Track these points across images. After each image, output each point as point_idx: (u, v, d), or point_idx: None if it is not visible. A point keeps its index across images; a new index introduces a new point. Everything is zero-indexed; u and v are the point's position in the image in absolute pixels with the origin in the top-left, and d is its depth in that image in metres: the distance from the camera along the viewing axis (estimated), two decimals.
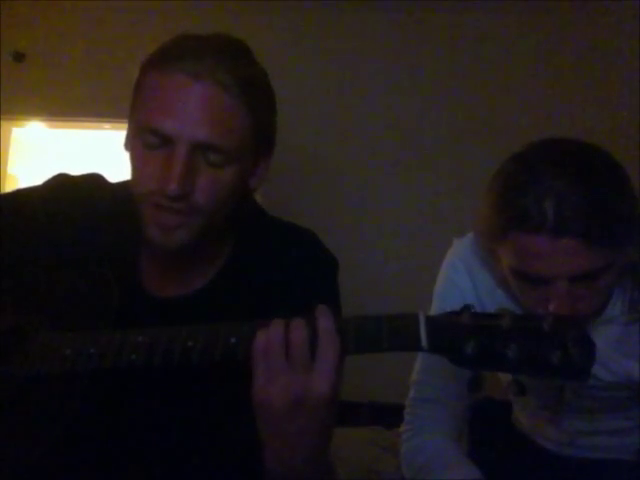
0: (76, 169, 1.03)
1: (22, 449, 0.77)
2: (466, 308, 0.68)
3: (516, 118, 2.84)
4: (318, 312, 0.70)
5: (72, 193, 0.97)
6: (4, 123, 3.14)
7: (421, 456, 1.11)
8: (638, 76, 2.73)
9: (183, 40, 0.84)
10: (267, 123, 0.88)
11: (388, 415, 1.36)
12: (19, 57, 3.02)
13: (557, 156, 0.93)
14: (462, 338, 0.65)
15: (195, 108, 0.78)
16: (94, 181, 1.00)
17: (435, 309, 1.14)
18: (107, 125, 3.16)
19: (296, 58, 2.92)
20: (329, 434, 0.74)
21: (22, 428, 0.79)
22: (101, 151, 3.61)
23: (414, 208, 2.96)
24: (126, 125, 0.90)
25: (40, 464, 0.77)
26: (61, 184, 0.99)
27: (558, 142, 0.98)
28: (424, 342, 0.66)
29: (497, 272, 1.04)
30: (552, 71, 2.95)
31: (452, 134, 2.96)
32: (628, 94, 2.78)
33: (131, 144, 0.85)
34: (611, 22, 2.89)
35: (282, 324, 0.69)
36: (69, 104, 3.04)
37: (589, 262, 0.89)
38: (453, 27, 3.01)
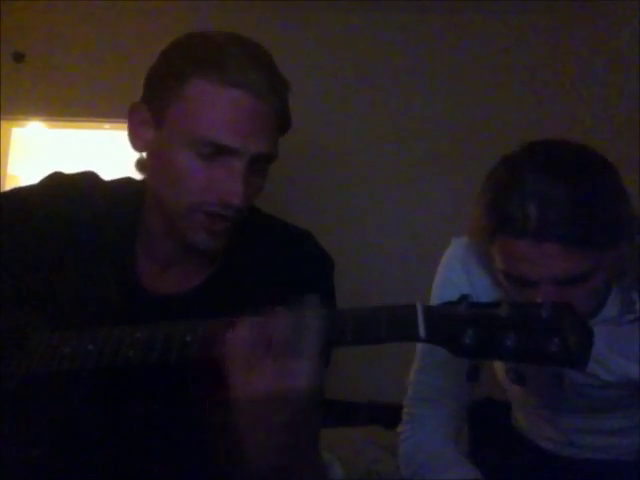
0: (76, 169, 1.03)
1: (22, 448, 0.77)
2: (463, 298, 0.67)
3: (517, 118, 2.84)
4: (304, 306, 0.69)
5: (68, 191, 0.97)
6: (4, 123, 3.14)
7: (419, 456, 1.12)
8: (638, 76, 2.73)
9: (224, 48, 0.85)
10: (288, 128, 0.92)
11: (388, 415, 1.36)
12: (19, 57, 3.02)
13: (544, 159, 0.93)
14: (460, 327, 0.65)
15: (255, 122, 0.83)
16: (89, 179, 1.00)
17: None
18: (107, 125, 3.16)
19: (297, 58, 2.91)
20: (315, 431, 0.74)
21: (22, 427, 0.79)
22: (101, 151, 3.61)
23: (414, 207, 2.96)
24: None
25: (40, 463, 0.77)
26: (57, 183, 0.99)
27: (546, 144, 0.97)
28: (422, 332, 0.66)
29: (493, 271, 1.04)
30: (552, 71, 2.95)
31: (453, 134, 2.96)
32: (628, 94, 2.78)
33: (177, 154, 0.84)
34: (611, 22, 2.89)
35: (249, 322, 0.69)
36: (69, 104, 3.04)
37: (574, 266, 0.89)
38: (453, 27, 3.01)
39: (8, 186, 3.36)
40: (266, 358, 0.67)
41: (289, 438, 0.71)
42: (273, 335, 0.67)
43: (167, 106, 0.84)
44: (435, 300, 1.16)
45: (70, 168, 1.05)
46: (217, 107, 0.82)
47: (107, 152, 3.44)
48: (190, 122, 0.82)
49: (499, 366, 1.20)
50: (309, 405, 0.69)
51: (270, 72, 0.86)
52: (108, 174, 1.03)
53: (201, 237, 0.85)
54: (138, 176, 0.96)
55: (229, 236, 0.87)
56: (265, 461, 0.72)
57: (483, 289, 1.10)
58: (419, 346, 1.16)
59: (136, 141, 0.89)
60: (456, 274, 1.14)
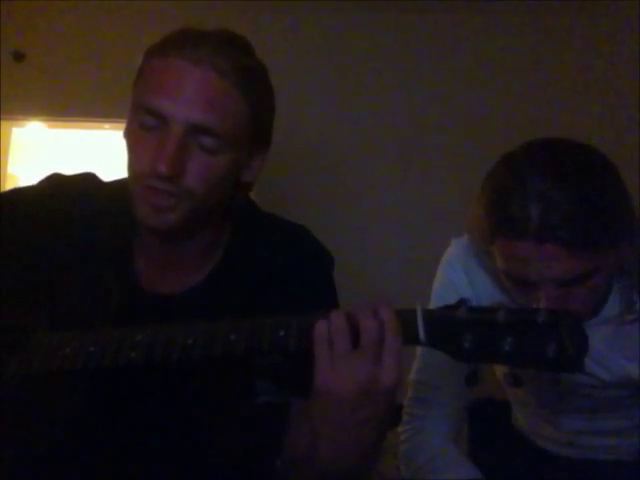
0: (76, 169, 1.03)
1: (22, 449, 0.77)
2: (462, 302, 0.68)
3: (516, 118, 2.84)
4: (378, 304, 0.69)
5: (68, 192, 0.97)
6: (4, 123, 3.14)
7: (420, 456, 1.11)
8: (638, 76, 2.73)
9: (185, 31, 0.86)
10: (264, 116, 0.88)
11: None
12: (19, 57, 3.02)
13: (544, 160, 0.92)
14: (459, 332, 0.65)
15: (192, 90, 0.80)
16: (88, 180, 1.01)
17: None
18: (107, 125, 3.15)
19: (297, 58, 2.91)
20: (384, 430, 0.73)
21: (22, 428, 0.79)
22: (101, 151, 3.61)
23: (413, 207, 2.96)
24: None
25: (40, 464, 0.77)
26: (56, 184, 0.99)
27: (546, 143, 0.97)
28: (422, 336, 0.67)
29: (494, 271, 1.04)
30: (552, 72, 2.95)
31: (452, 134, 2.96)
32: (628, 94, 2.78)
33: (128, 128, 0.86)
34: (611, 22, 2.89)
35: (344, 313, 0.69)
36: (69, 104, 3.04)
37: (575, 267, 0.89)
38: (453, 27, 3.01)
39: (8, 186, 3.36)
40: (355, 353, 0.67)
41: (367, 436, 0.70)
42: (362, 330, 0.67)
43: (134, 87, 0.87)
44: (435, 300, 1.16)
45: (70, 168, 1.05)
46: (156, 76, 0.82)
47: (107, 152, 3.43)
48: (138, 94, 0.85)
49: (499, 367, 1.20)
50: (392, 402, 0.69)
51: (233, 51, 0.83)
52: (108, 174, 1.03)
53: (143, 211, 0.83)
54: None
55: (182, 216, 0.82)
56: (340, 461, 0.71)
57: (483, 289, 1.10)
58: (419, 346, 1.16)
59: (125, 126, 0.90)
60: (456, 275, 1.13)
